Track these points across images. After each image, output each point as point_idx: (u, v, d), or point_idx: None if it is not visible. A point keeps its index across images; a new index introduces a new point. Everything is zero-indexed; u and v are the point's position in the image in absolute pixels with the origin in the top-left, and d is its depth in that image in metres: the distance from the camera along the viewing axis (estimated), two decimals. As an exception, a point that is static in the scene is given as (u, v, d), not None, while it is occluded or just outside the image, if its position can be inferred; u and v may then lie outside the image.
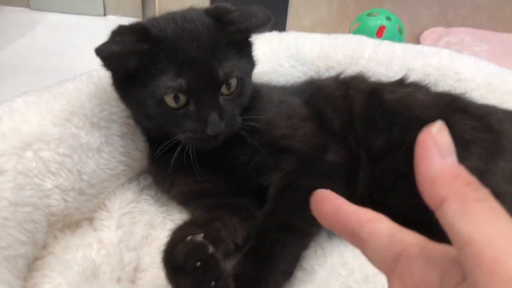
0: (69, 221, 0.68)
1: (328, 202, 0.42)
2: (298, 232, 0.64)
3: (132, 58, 0.63)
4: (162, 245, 0.67)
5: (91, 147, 0.70)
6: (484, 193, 0.33)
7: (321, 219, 0.44)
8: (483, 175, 0.65)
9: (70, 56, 1.51)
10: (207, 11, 0.70)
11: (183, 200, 0.77)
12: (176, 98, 0.65)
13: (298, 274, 0.65)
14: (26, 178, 0.61)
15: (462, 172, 0.34)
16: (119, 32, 0.66)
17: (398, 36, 1.45)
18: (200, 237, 0.56)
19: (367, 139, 0.75)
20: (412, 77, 0.91)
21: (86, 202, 0.70)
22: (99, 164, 0.71)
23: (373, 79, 0.97)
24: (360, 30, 1.46)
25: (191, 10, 0.71)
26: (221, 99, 0.67)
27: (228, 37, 0.68)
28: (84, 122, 0.71)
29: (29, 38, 1.63)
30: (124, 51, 0.62)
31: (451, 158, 0.35)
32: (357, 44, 1.03)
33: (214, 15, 0.69)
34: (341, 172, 0.71)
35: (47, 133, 0.66)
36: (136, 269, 0.66)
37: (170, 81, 0.64)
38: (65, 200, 0.65)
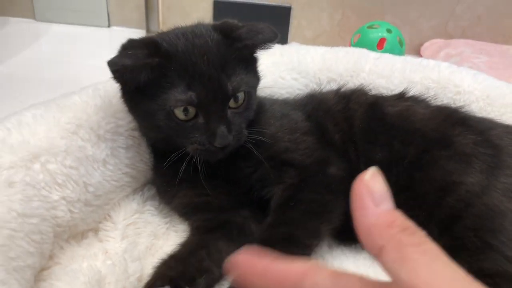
0: (75, 231, 0.69)
1: (253, 265, 0.39)
2: (299, 244, 0.65)
3: (144, 72, 0.64)
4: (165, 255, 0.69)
5: (97, 159, 0.72)
6: (419, 236, 0.33)
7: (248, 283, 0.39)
8: (485, 190, 0.65)
9: (75, 67, 1.53)
10: (215, 27, 0.71)
11: (184, 212, 0.78)
12: (185, 110, 0.66)
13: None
14: (34, 189, 0.62)
15: (398, 218, 0.34)
16: (130, 46, 0.68)
17: (399, 47, 1.47)
18: None
19: (367, 152, 0.76)
20: (412, 90, 0.92)
21: (92, 213, 0.71)
22: (104, 176, 0.73)
23: (373, 91, 0.99)
24: (361, 42, 1.48)
25: (199, 25, 0.73)
26: (229, 112, 0.69)
27: (236, 53, 0.69)
28: (90, 135, 0.72)
29: (34, 48, 1.65)
30: (136, 65, 0.64)
31: (386, 204, 0.35)
32: (358, 57, 1.04)
33: (223, 31, 0.70)
34: (342, 186, 0.72)
35: (54, 146, 0.67)
36: (140, 280, 0.67)
37: (181, 94, 0.65)
38: (71, 211, 0.67)
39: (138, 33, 1.76)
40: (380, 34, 1.46)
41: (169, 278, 0.61)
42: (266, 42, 0.72)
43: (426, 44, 1.70)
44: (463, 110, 0.83)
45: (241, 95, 0.70)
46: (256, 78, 0.78)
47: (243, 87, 0.70)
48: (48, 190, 0.64)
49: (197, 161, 0.69)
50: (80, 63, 1.54)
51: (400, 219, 0.34)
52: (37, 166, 0.64)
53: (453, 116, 0.79)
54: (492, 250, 0.61)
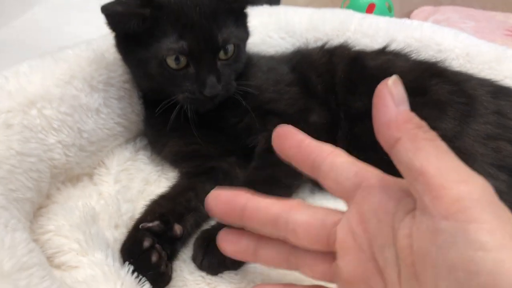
0: (70, 174, 0.73)
1: (291, 137, 0.47)
2: (281, 184, 0.70)
3: (134, 21, 0.68)
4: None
5: (90, 108, 0.76)
6: (432, 134, 0.38)
7: (283, 153, 0.48)
8: (458, 136, 0.68)
9: (70, 34, 1.54)
10: None
11: (173, 160, 0.82)
12: (177, 60, 0.70)
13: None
14: (31, 132, 0.66)
15: (414, 117, 0.39)
16: None
17: (387, 13, 1.50)
18: (150, 225, 0.61)
19: (347, 102, 0.79)
20: (392, 47, 0.96)
21: (86, 158, 0.75)
22: (98, 124, 0.77)
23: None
24: (351, 7, 1.50)
25: None
26: (219, 63, 0.73)
27: (227, 6, 0.73)
28: (84, 85, 0.76)
29: (30, 15, 1.67)
30: (126, 13, 0.67)
31: (404, 106, 0.40)
32: (344, 17, 1.07)
33: None
34: (322, 132, 0.76)
35: (49, 93, 0.71)
36: (132, 219, 0.71)
37: (173, 43, 0.69)
38: (66, 155, 0.71)
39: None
40: (369, -1, 1.49)
41: (159, 213, 0.65)
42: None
43: (416, 12, 1.73)
44: (440, 63, 0.86)
45: (230, 47, 0.73)
46: (245, 32, 0.81)
47: (232, 39, 0.73)
48: (44, 134, 0.68)
49: (187, 110, 0.73)
50: (75, 31, 1.55)
51: (417, 118, 0.39)
52: (34, 111, 0.68)
53: (431, 68, 0.82)
54: None
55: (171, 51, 0.69)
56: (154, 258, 0.57)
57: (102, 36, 0.87)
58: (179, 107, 0.73)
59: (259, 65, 0.85)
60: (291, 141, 0.47)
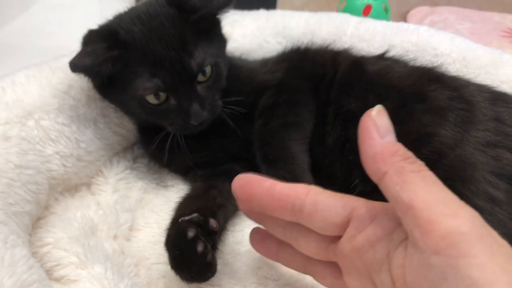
0: (68, 185, 0.73)
1: (258, 185, 0.46)
2: (294, 126, 0.75)
3: (104, 66, 0.67)
4: (155, 207, 0.74)
5: (87, 117, 0.76)
6: (419, 164, 0.38)
7: (253, 203, 0.47)
8: (458, 143, 0.68)
9: (66, 35, 1.52)
10: (169, 1, 0.72)
11: (183, 172, 0.83)
12: (156, 95, 0.70)
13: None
14: (29, 144, 0.66)
15: (400, 149, 0.39)
16: (89, 40, 0.72)
17: (384, 15, 1.50)
18: (189, 217, 0.60)
19: (339, 101, 0.78)
20: (393, 53, 0.96)
21: (84, 168, 0.75)
22: (95, 134, 0.77)
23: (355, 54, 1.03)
24: (347, 9, 1.50)
25: (154, 2, 0.73)
26: (199, 87, 0.72)
27: (195, 25, 0.71)
28: (81, 95, 0.76)
29: (24, 18, 1.66)
30: (96, 63, 0.66)
31: (390, 136, 0.40)
32: (341, 21, 1.07)
33: (176, 4, 0.71)
34: (310, 107, 0.79)
35: (47, 104, 0.71)
36: (131, 229, 0.72)
37: (146, 83, 0.68)
38: (64, 166, 0.71)
39: (127, 3, 1.77)
40: (365, 1, 1.49)
41: (195, 208, 0.64)
42: (221, 7, 0.73)
43: (412, 12, 1.73)
44: (438, 69, 0.86)
45: (208, 69, 0.72)
46: (222, 42, 0.80)
47: (208, 60, 0.72)
48: (42, 145, 0.68)
49: (180, 138, 0.73)
50: (70, 32, 1.54)
51: (403, 149, 0.39)
52: (31, 122, 0.68)
53: (429, 73, 0.81)
54: (462, 199, 0.64)
55: (147, 91, 0.69)
56: (200, 247, 0.56)
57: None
58: (172, 136, 0.74)
59: (242, 71, 0.85)
60: (260, 190, 0.46)
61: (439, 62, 0.99)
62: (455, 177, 0.65)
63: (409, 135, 0.70)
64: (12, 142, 0.64)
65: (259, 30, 1.04)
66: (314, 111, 0.78)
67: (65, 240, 0.61)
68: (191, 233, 0.57)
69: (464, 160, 0.66)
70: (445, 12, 1.63)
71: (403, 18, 1.77)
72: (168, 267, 0.62)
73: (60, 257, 0.59)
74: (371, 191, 0.74)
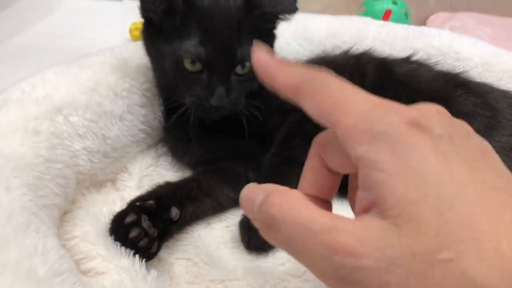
0: (94, 180, 0.75)
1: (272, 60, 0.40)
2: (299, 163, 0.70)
3: (163, 5, 0.70)
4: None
5: (114, 114, 0.77)
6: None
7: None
8: None
9: (88, 39, 1.57)
10: None
11: (194, 166, 0.84)
12: (193, 63, 0.70)
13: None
14: (58, 139, 0.67)
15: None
16: None
17: (404, 19, 1.49)
18: (142, 203, 0.64)
19: None
20: (415, 57, 0.96)
21: (110, 164, 0.77)
22: (121, 131, 0.78)
23: (377, 57, 1.03)
24: (367, 13, 1.50)
25: None
26: (233, 78, 0.72)
27: (254, 21, 0.73)
28: (108, 92, 0.77)
29: (48, 21, 1.69)
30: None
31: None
32: (362, 25, 1.08)
33: None
34: None
35: (75, 100, 0.72)
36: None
37: (192, 47, 0.69)
38: (91, 161, 0.72)
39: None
40: (385, 6, 1.49)
41: (158, 195, 0.67)
42: (285, 12, 0.75)
43: (432, 17, 1.72)
44: (463, 75, 0.86)
45: (248, 64, 0.73)
46: (272, 45, 0.81)
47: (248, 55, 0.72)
48: (70, 141, 0.70)
49: (191, 115, 0.73)
50: (93, 36, 1.58)
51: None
52: (60, 118, 0.69)
53: (454, 79, 0.82)
54: None
55: (188, 54, 0.70)
56: (132, 233, 0.60)
57: (124, 43, 0.88)
58: (184, 110, 0.74)
59: None
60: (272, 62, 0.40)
61: (461, 66, 1.00)
62: None
63: None
64: (42, 137, 0.65)
65: (280, 32, 1.05)
66: None
67: (92, 233, 0.62)
68: (128, 219, 0.61)
69: None
70: (465, 18, 1.62)
71: (423, 23, 1.76)
72: (191, 262, 0.64)
73: (87, 250, 0.60)
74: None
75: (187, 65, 0.71)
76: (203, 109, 0.73)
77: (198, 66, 0.71)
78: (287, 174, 0.66)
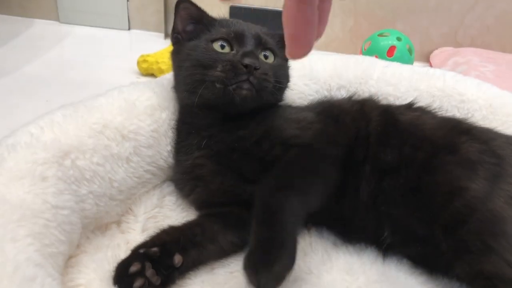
0: (99, 223, 0.75)
1: None
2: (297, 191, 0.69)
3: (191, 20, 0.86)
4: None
5: (121, 157, 0.78)
6: None
7: None
8: (489, 197, 0.68)
9: (97, 67, 1.59)
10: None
11: (199, 207, 0.84)
12: (222, 46, 0.79)
13: (307, 277, 0.71)
14: (64, 184, 0.68)
15: None
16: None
17: (408, 55, 1.51)
18: (146, 250, 0.65)
19: (376, 153, 0.79)
20: (419, 99, 0.97)
21: (115, 207, 0.77)
22: (127, 173, 0.79)
23: (381, 98, 1.04)
24: (372, 49, 1.52)
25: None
26: (261, 60, 0.79)
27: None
28: (115, 134, 0.78)
29: (58, 50, 1.72)
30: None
31: None
32: (367, 65, 1.09)
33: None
34: (335, 166, 0.76)
35: (83, 144, 0.73)
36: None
37: (222, 31, 0.81)
38: (97, 205, 0.73)
39: (157, 36, 1.83)
40: (390, 42, 1.51)
41: (162, 241, 0.68)
42: None
43: (436, 52, 1.74)
44: (467, 121, 0.87)
45: (269, 54, 0.82)
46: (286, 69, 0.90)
47: (273, 46, 0.83)
48: (77, 185, 0.70)
49: (214, 94, 0.76)
50: (102, 64, 1.61)
51: None
52: (67, 162, 0.70)
53: (458, 126, 0.82)
54: (494, 253, 0.63)
55: (218, 35, 0.80)
56: (136, 284, 0.61)
57: (133, 84, 0.90)
58: (210, 85, 0.76)
59: (283, 110, 0.87)
60: None
61: (465, 108, 1.00)
62: (487, 232, 0.66)
63: (440, 186, 0.72)
64: (49, 182, 0.66)
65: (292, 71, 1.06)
66: (333, 181, 0.76)
67: (96, 282, 0.62)
68: (133, 268, 0.62)
69: (495, 215, 0.67)
70: (469, 54, 1.63)
71: (426, 58, 1.78)
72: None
73: (91, 299, 0.60)
74: (401, 241, 0.75)
75: (216, 46, 0.79)
76: (232, 75, 0.74)
77: (227, 48, 0.80)
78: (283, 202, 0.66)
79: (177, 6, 0.85)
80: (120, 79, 1.41)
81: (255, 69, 0.74)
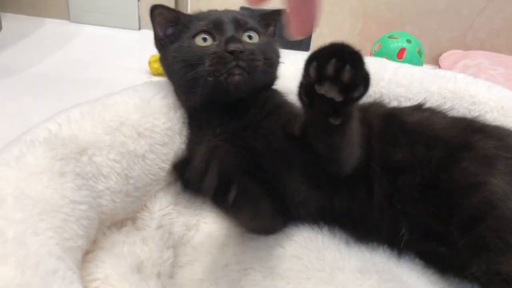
0: (116, 219, 0.76)
1: None
2: None
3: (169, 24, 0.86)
4: (197, 245, 0.76)
5: (137, 154, 0.79)
6: None
7: None
8: (509, 194, 0.67)
9: (107, 66, 1.61)
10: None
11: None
12: (204, 39, 0.79)
13: (320, 275, 0.72)
14: (82, 180, 0.69)
15: None
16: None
17: (418, 57, 1.51)
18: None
19: (385, 153, 0.78)
20: (429, 100, 0.97)
21: (131, 203, 0.78)
22: (143, 170, 0.79)
23: (392, 100, 1.04)
24: (382, 51, 1.53)
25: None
26: (244, 38, 0.81)
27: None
28: (132, 132, 0.79)
29: (68, 48, 1.73)
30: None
31: None
32: (379, 66, 1.10)
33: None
34: None
35: (100, 140, 0.74)
36: (173, 265, 0.74)
37: (201, 24, 0.81)
38: (114, 201, 0.73)
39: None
40: (400, 44, 1.52)
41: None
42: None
43: (445, 55, 1.74)
44: (479, 119, 0.87)
45: (253, 34, 0.82)
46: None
47: (254, 26, 0.82)
48: (94, 181, 0.71)
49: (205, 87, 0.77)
50: (112, 63, 1.62)
51: None
52: (85, 158, 0.71)
53: (471, 125, 0.82)
54: None
55: (197, 29, 0.80)
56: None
57: (147, 83, 0.90)
58: (203, 81, 0.77)
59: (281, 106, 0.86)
60: None
61: (476, 110, 1.01)
62: (507, 229, 0.65)
63: (458, 183, 0.72)
64: (67, 178, 0.66)
65: (299, 73, 1.07)
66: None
67: (114, 276, 0.63)
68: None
69: None
70: (479, 57, 1.64)
71: (435, 60, 1.78)
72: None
73: (109, 293, 0.61)
74: (418, 239, 0.75)
75: (199, 41, 0.79)
76: (221, 65, 0.75)
77: (209, 41, 0.79)
78: None
79: (151, 14, 0.87)
80: (132, 78, 1.43)
81: (241, 52, 0.75)
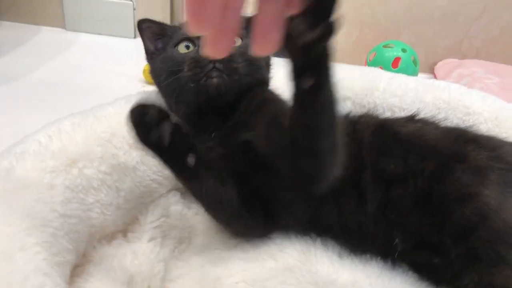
0: (106, 232, 0.75)
1: None
2: None
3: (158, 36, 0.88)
4: (188, 258, 0.75)
5: (128, 166, 0.78)
6: None
7: None
8: (502, 205, 0.67)
9: (103, 75, 1.60)
10: None
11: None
12: (187, 47, 0.81)
13: (312, 289, 0.71)
14: (72, 192, 0.68)
15: None
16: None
17: (413, 67, 1.52)
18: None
19: (377, 163, 0.77)
20: (424, 110, 0.97)
21: (122, 216, 0.77)
22: (134, 182, 0.79)
23: (386, 110, 1.04)
24: (377, 60, 1.53)
25: None
26: None
27: None
28: (123, 143, 0.78)
29: (64, 57, 1.73)
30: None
31: None
32: (373, 76, 1.10)
33: None
34: None
35: (91, 152, 0.73)
36: (163, 280, 0.72)
37: (181, 34, 0.82)
38: (104, 214, 0.73)
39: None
40: (395, 53, 1.52)
41: None
42: None
43: (440, 64, 1.74)
44: (471, 130, 0.86)
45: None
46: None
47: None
48: (84, 194, 0.70)
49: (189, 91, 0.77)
50: (107, 72, 1.61)
51: None
52: (75, 170, 0.70)
53: (464, 135, 0.81)
54: (506, 264, 0.62)
55: (179, 37, 0.82)
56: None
57: (140, 93, 0.90)
58: (185, 87, 0.78)
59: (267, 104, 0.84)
60: None
61: (470, 121, 1.00)
62: (500, 241, 0.64)
63: (450, 194, 0.71)
64: (57, 191, 0.66)
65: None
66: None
67: (103, 291, 0.62)
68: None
69: (509, 224, 0.65)
70: (473, 66, 1.64)
71: (431, 69, 1.78)
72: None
73: (97, 308, 0.60)
74: (411, 249, 0.75)
75: (182, 49, 0.81)
76: (200, 87, 0.76)
77: (192, 48, 0.80)
78: None
79: (139, 28, 0.88)
80: (126, 87, 1.42)
81: None
